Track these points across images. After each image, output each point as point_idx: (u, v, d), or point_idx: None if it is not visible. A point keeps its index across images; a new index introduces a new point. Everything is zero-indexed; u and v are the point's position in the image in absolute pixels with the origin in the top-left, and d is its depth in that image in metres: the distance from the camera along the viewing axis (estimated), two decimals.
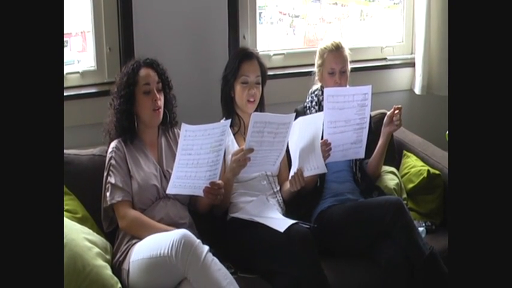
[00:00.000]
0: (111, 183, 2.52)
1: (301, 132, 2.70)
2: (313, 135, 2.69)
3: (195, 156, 2.38)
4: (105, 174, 2.57)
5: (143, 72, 2.62)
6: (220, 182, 2.52)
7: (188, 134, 2.32)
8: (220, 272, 2.28)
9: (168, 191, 2.45)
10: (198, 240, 2.28)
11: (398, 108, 2.92)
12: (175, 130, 2.76)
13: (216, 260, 2.30)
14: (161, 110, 2.64)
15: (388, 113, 2.97)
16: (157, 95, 2.61)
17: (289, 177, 2.72)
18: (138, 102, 2.61)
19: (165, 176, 2.60)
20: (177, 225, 2.50)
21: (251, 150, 2.52)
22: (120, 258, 2.45)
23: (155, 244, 2.31)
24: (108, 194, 2.51)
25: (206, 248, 2.30)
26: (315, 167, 2.70)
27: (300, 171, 2.68)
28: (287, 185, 2.78)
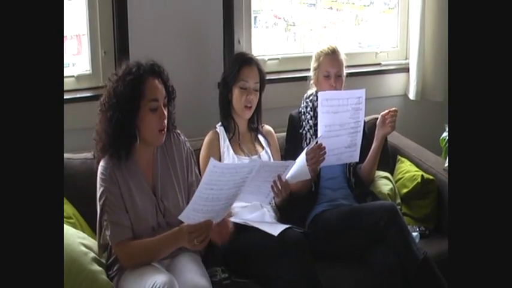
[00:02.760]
0: (111, 221, 2.30)
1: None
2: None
3: (217, 192, 2.18)
4: (99, 206, 2.33)
5: (150, 84, 2.32)
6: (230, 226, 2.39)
7: (215, 170, 2.12)
8: None
9: (180, 218, 2.21)
10: None
11: (394, 111, 2.93)
12: (174, 136, 2.53)
13: None
14: (165, 130, 2.40)
15: (382, 113, 2.98)
16: (165, 113, 2.36)
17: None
18: (141, 118, 2.32)
19: (160, 210, 2.42)
20: (176, 250, 2.42)
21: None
22: (112, 274, 2.39)
23: (143, 281, 2.22)
24: (108, 232, 2.30)
25: None
26: (299, 175, 2.66)
27: (280, 180, 2.60)
28: None
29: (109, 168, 2.33)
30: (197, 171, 2.59)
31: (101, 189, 2.33)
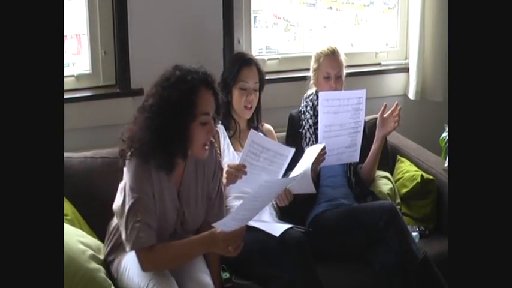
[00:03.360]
0: (146, 223, 2.15)
1: (301, 159, 2.72)
2: (307, 158, 2.69)
3: (260, 203, 2.17)
4: (129, 203, 2.17)
5: (204, 96, 2.19)
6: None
7: (267, 185, 2.09)
8: None
9: (215, 225, 2.13)
10: None
11: (397, 109, 2.94)
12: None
13: None
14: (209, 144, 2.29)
15: (380, 113, 2.98)
16: (214, 128, 2.25)
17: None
18: (191, 131, 2.19)
19: (180, 217, 2.35)
20: None
21: (244, 166, 2.50)
22: (110, 258, 2.39)
23: (139, 276, 2.22)
24: (142, 234, 2.14)
25: None
26: (303, 189, 2.67)
27: (287, 190, 2.65)
28: None
29: (146, 166, 2.20)
30: (222, 180, 2.54)
31: (134, 185, 2.18)
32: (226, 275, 2.52)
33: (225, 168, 2.58)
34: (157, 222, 2.21)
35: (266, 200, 2.25)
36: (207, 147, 2.26)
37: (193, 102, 2.17)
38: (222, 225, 2.14)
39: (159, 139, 2.16)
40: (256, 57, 3.04)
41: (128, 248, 2.17)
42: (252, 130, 2.55)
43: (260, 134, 2.77)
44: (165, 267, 2.23)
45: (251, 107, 2.87)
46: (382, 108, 2.98)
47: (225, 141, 2.85)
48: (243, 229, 2.17)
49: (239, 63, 2.89)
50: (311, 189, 2.67)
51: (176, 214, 2.33)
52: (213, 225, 2.14)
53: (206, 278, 2.33)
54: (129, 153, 2.21)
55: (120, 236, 2.27)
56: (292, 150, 2.59)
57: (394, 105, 2.98)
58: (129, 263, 2.30)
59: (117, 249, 2.40)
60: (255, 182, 2.53)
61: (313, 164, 2.66)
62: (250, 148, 2.48)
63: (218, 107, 2.28)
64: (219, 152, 2.78)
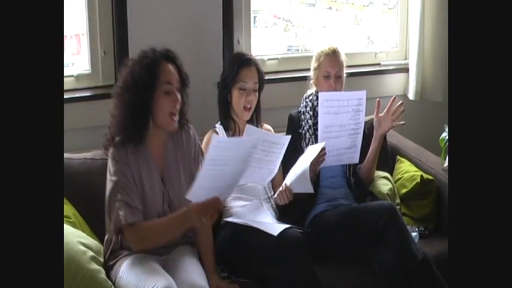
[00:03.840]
0: (124, 202, 2.28)
1: (301, 157, 2.74)
2: (307, 158, 2.69)
3: (222, 167, 2.18)
4: (110, 187, 2.33)
5: (165, 67, 2.38)
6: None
7: (218, 146, 2.13)
8: None
9: (187, 197, 2.21)
10: None
11: (399, 105, 2.92)
12: (185, 129, 2.54)
13: None
14: (178, 115, 2.42)
15: (375, 112, 2.97)
16: (178, 97, 2.40)
17: (277, 192, 2.73)
18: (155, 101, 2.35)
19: (169, 195, 2.43)
20: (180, 242, 2.48)
21: None
22: (111, 263, 2.41)
23: (142, 279, 2.24)
24: (121, 213, 2.27)
25: None
26: (301, 188, 2.68)
27: (287, 188, 2.68)
28: None
29: (122, 150, 2.36)
30: None
31: (113, 169, 2.34)
32: (224, 274, 2.52)
33: None
34: (141, 204, 2.33)
35: (232, 164, 2.20)
36: (175, 118, 2.39)
37: (155, 73, 2.34)
38: (192, 196, 2.21)
39: (128, 113, 2.33)
40: (256, 58, 3.04)
41: (112, 228, 2.32)
42: (247, 125, 2.54)
43: (255, 127, 2.76)
44: (152, 244, 2.34)
45: (250, 108, 2.86)
46: (376, 107, 2.96)
47: None
48: (215, 199, 2.23)
49: (238, 63, 2.89)
50: (309, 189, 2.67)
51: (161, 196, 2.42)
52: (186, 197, 2.22)
53: (202, 281, 2.33)
54: (110, 138, 2.39)
55: (119, 239, 2.38)
56: (288, 138, 2.60)
57: (390, 102, 2.93)
58: (128, 267, 2.32)
59: (117, 252, 2.42)
60: (254, 176, 2.55)
61: (312, 164, 2.66)
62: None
63: (183, 80, 2.44)
64: None
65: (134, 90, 2.33)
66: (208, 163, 2.15)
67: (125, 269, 2.33)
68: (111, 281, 2.34)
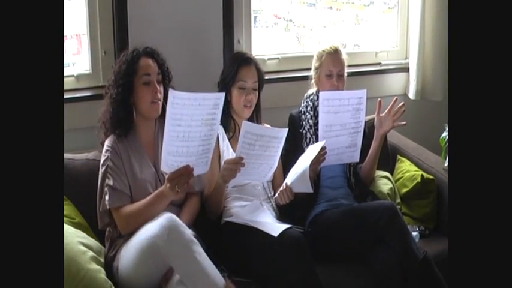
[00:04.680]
0: (110, 186, 2.44)
1: (302, 156, 2.74)
2: (307, 158, 2.69)
3: (186, 128, 2.24)
4: (100, 174, 2.50)
5: (143, 61, 2.53)
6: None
7: (176, 102, 2.18)
8: (202, 256, 2.28)
9: (161, 168, 2.33)
10: (183, 224, 2.29)
11: (400, 107, 2.92)
12: None
13: (199, 245, 2.31)
14: (160, 103, 2.54)
15: (376, 111, 2.97)
16: (158, 87, 2.52)
17: (278, 192, 2.73)
18: (136, 93, 2.52)
19: (161, 181, 2.55)
20: None
21: (241, 158, 2.50)
22: (111, 254, 2.45)
23: (142, 231, 2.32)
24: (107, 197, 2.44)
25: (190, 231, 2.32)
26: (301, 187, 2.68)
27: (288, 188, 2.68)
28: None
29: (112, 142, 2.51)
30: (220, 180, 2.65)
31: (103, 158, 2.50)
32: (224, 274, 2.52)
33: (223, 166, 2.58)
34: (132, 188, 2.48)
35: (196, 125, 2.26)
36: (157, 106, 2.52)
37: (134, 67, 2.51)
38: (165, 166, 2.28)
39: (113, 105, 2.51)
40: (256, 57, 3.03)
41: (100, 209, 2.47)
42: (244, 121, 2.54)
43: (252, 123, 2.75)
44: (137, 224, 2.39)
45: (250, 106, 2.86)
46: (377, 107, 2.96)
47: (224, 142, 2.84)
48: (186, 167, 2.30)
49: (237, 62, 2.88)
50: (309, 189, 2.66)
51: (154, 179, 2.55)
52: (161, 169, 2.33)
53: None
54: (103, 133, 2.57)
55: (115, 229, 2.49)
56: (285, 131, 2.59)
57: (392, 102, 2.94)
58: (126, 246, 2.39)
59: (115, 241, 2.48)
60: (254, 173, 2.55)
61: (313, 163, 2.66)
62: (244, 139, 2.47)
63: (164, 73, 2.59)
64: (218, 153, 2.78)
65: (116, 86, 2.51)
66: (170, 123, 2.20)
67: (124, 249, 2.39)
68: (115, 271, 2.38)
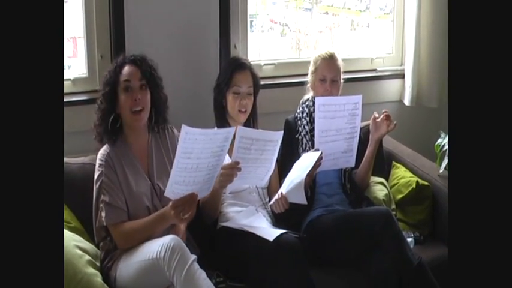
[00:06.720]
0: (106, 202, 2.41)
1: (297, 163, 2.74)
2: (304, 168, 2.69)
3: (195, 161, 2.24)
4: (95, 190, 2.47)
5: (125, 69, 2.50)
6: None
7: (189, 137, 2.18)
8: (205, 281, 2.27)
9: (165, 194, 2.29)
10: (186, 248, 2.27)
11: (386, 116, 2.94)
12: (168, 131, 2.67)
13: (201, 270, 2.29)
14: (144, 113, 2.50)
15: (372, 117, 2.98)
16: (139, 95, 2.48)
17: (273, 200, 2.73)
18: (119, 101, 2.49)
19: (156, 193, 2.53)
20: None
21: (237, 163, 2.50)
22: (108, 264, 2.44)
23: (145, 248, 2.32)
24: (103, 214, 2.40)
25: (194, 256, 2.29)
26: (296, 199, 2.68)
27: (283, 197, 2.68)
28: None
29: (105, 154, 2.48)
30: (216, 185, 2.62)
31: (98, 173, 2.47)
32: (220, 279, 2.52)
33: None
34: (128, 201, 2.45)
35: (205, 157, 2.27)
36: (138, 115, 2.49)
37: (117, 74, 2.49)
38: (170, 193, 2.27)
39: (99, 116, 2.51)
40: (252, 63, 3.03)
41: (96, 225, 2.45)
42: (239, 126, 2.54)
43: (246, 128, 2.75)
44: (134, 242, 2.40)
45: (246, 111, 2.86)
46: (373, 114, 2.99)
47: None
48: (191, 195, 2.29)
49: (232, 67, 2.89)
50: (303, 200, 2.66)
51: (149, 190, 2.52)
52: (165, 195, 2.30)
53: None
54: (96, 142, 2.54)
55: (111, 241, 2.46)
56: (280, 133, 2.59)
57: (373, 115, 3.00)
58: (125, 258, 2.39)
59: (112, 253, 2.46)
60: (251, 177, 2.55)
61: (308, 172, 2.66)
62: (240, 144, 2.47)
63: (150, 79, 2.53)
64: None
65: (102, 94, 2.52)
66: (180, 156, 2.20)
67: (123, 261, 2.38)
68: (112, 281, 2.37)
